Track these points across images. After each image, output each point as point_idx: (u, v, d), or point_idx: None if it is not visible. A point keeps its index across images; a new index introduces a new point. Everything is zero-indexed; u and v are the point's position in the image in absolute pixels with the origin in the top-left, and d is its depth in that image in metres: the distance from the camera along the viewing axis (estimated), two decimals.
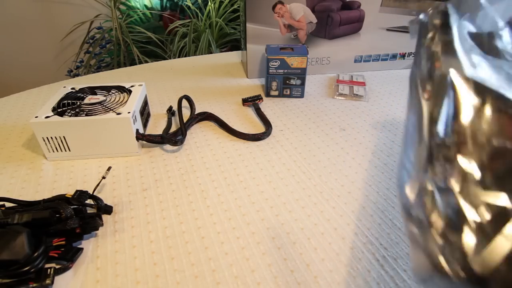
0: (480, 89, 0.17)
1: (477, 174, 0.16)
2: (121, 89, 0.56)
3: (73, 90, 0.55)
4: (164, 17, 1.63)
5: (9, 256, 0.31)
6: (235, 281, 0.34)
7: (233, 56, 0.92)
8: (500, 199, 0.15)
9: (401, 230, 0.40)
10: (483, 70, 0.18)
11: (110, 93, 0.55)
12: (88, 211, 0.39)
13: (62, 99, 0.52)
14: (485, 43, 0.23)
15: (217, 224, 0.41)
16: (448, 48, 0.22)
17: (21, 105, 0.67)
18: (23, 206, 0.39)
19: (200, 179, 0.47)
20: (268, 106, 0.67)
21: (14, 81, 1.67)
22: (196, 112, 0.62)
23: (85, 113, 0.49)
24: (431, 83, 0.20)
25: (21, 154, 0.52)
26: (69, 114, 0.48)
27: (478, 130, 0.17)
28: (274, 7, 0.70)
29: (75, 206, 0.38)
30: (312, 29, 0.75)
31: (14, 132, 0.58)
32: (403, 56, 0.83)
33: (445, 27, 0.24)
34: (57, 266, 0.34)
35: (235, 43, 1.59)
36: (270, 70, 0.66)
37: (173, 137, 0.53)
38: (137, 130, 0.51)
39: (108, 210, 0.41)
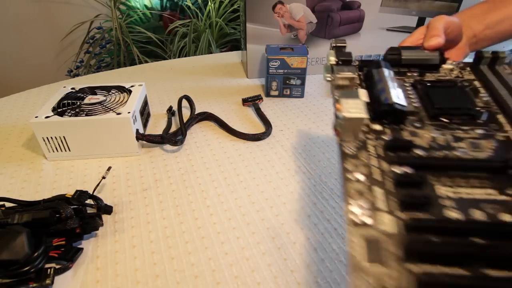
0: None
1: None
2: (121, 89, 0.56)
3: (73, 90, 0.55)
4: (164, 17, 1.62)
5: (9, 256, 0.31)
6: (235, 281, 0.34)
7: (233, 56, 0.92)
8: None
9: None
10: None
11: (110, 93, 0.55)
12: (88, 211, 0.39)
13: (62, 99, 0.52)
14: None
15: (217, 224, 0.41)
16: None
17: (21, 105, 0.67)
18: (23, 206, 0.39)
19: (200, 179, 0.47)
20: (268, 106, 0.67)
21: (14, 81, 1.67)
22: (196, 112, 0.62)
23: (85, 113, 0.49)
24: None
25: (21, 154, 0.52)
26: (69, 114, 0.48)
27: None
28: (274, 7, 0.70)
29: (75, 206, 0.38)
30: (312, 29, 0.75)
31: (14, 132, 0.58)
32: None
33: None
34: (57, 266, 0.34)
35: (235, 43, 1.58)
36: (270, 70, 0.66)
37: (173, 137, 0.53)
38: (137, 130, 0.51)
39: (108, 210, 0.41)
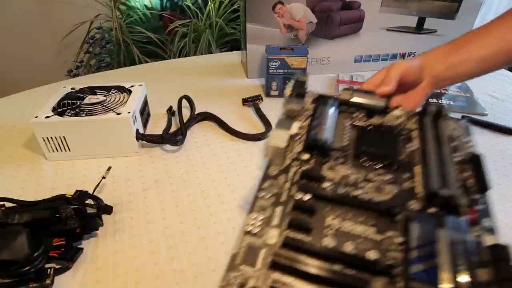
0: None
1: None
2: (121, 89, 0.56)
3: (73, 90, 0.55)
4: (164, 17, 1.62)
5: (9, 256, 0.31)
6: None
7: (233, 56, 0.92)
8: None
9: None
10: None
11: (110, 93, 0.55)
12: (88, 211, 0.39)
13: (62, 99, 0.52)
14: None
15: (217, 224, 0.41)
16: None
17: (21, 105, 0.67)
18: (23, 206, 0.39)
19: (200, 179, 0.47)
20: (268, 106, 0.67)
21: (14, 81, 1.67)
22: (196, 112, 0.62)
23: (85, 113, 0.49)
24: None
25: (21, 154, 0.52)
26: (69, 114, 0.48)
27: None
28: (274, 7, 0.70)
29: (75, 206, 0.38)
30: (312, 29, 0.75)
31: (14, 132, 0.58)
32: (403, 56, 0.83)
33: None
34: (57, 266, 0.34)
35: (235, 43, 1.58)
36: (270, 70, 0.66)
37: (173, 137, 0.53)
38: (137, 130, 0.51)
39: (108, 210, 0.41)
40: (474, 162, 0.29)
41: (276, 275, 0.22)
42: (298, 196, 0.27)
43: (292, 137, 0.32)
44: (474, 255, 0.22)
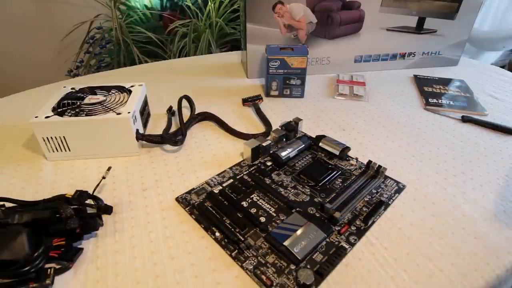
0: None
1: None
2: (121, 89, 0.56)
3: (73, 90, 0.55)
4: (164, 17, 1.62)
5: (9, 256, 0.31)
6: (235, 281, 0.34)
7: (233, 56, 0.92)
8: None
9: (401, 230, 0.40)
10: None
11: (110, 93, 0.55)
12: (88, 211, 0.39)
13: (62, 99, 0.52)
14: None
15: None
16: None
17: (21, 105, 0.67)
18: (23, 206, 0.39)
19: (200, 179, 0.47)
20: (268, 106, 0.67)
21: (14, 81, 1.67)
22: (196, 112, 0.62)
23: (85, 113, 0.49)
24: None
25: (21, 154, 0.52)
26: (69, 114, 0.48)
27: None
28: (274, 7, 0.70)
29: (75, 206, 0.38)
30: (312, 29, 0.75)
31: (14, 132, 0.58)
32: (403, 56, 0.83)
33: None
34: (57, 266, 0.34)
35: (235, 43, 1.58)
36: (270, 70, 0.66)
37: (173, 137, 0.53)
38: (137, 130, 0.51)
39: (108, 210, 0.41)
40: (376, 205, 0.42)
41: (207, 203, 0.42)
42: (245, 177, 0.46)
43: (265, 149, 0.50)
44: (315, 246, 0.36)
